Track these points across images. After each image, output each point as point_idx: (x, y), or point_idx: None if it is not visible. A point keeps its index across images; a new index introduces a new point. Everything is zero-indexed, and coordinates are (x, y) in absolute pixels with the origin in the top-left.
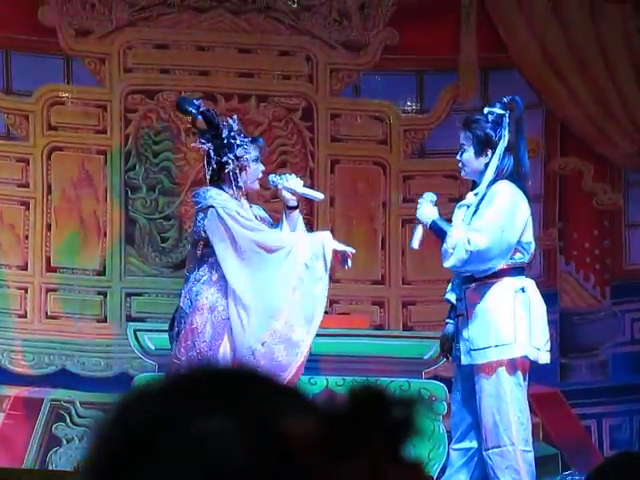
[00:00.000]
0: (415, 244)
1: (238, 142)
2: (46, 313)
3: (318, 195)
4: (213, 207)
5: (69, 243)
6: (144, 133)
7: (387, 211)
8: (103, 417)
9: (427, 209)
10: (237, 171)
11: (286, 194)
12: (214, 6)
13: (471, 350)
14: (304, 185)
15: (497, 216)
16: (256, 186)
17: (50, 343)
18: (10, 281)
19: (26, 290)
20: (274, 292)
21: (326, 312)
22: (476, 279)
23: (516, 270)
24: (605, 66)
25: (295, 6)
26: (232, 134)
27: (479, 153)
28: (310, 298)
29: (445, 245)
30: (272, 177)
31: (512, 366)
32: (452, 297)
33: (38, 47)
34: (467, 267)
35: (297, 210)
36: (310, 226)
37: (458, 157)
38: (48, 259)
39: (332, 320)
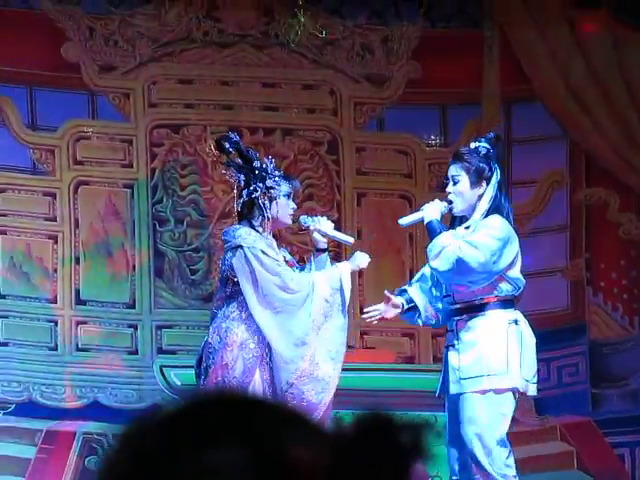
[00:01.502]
0: (403, 221)
1: (270, 175)
2: (77, 346)
3: (349, 239)
4: (241, 247)
5: (98, 276)
6: (170, 166)
7: (414, 243)
8: (110, 447)
9: (435, 207)
10: (266, 201)
11: (317, 236)
12: (237, 41)
13: (461, 379)
14: (334, 227)
15: (490, 240)
16: (288, 221)
17: (81, 376)
18: (40, 314)
19: (56, 323)
20: (297, 333)
21: (350, 346)
22: (467, 311)
23: (507, 302)
24: (629, 95)
25: (322, 35)
26: (264, 167)
27: (474, 184)
28: (333, 333)
29: (435, 242)
30: (303, 218)
31: (500, 396)
32: (411, 291)
33: (62, 83)
34: (449, 274)
35: (326, 253)
36: (337, 259)
37: (449, 189)
38: (77, 292)
39: (357, 355)
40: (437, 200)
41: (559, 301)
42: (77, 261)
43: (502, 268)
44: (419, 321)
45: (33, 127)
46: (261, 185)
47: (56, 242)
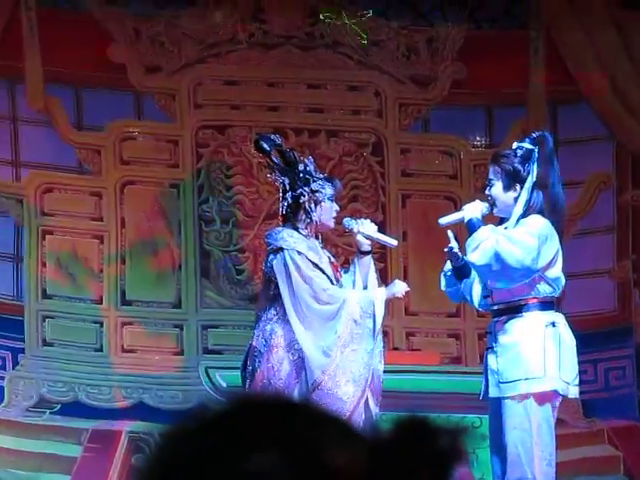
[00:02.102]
0: (443, 220)
1: (314, 178)
2: (122, 347)
3: (392, 241)
4: (282, 250)
5: (143, 276)
6: (216, 167)
7: (459, 245)
8: (150, 451)
9: (475, 207)
10: (312, 205)
11: (360, 238)
12: (282, 42)
13: (500, 382)
14: (378, 230)
15: (528, 237)
16: (331, 224)
17: (127, 377)
18: (86, 315)
19: (102, 324)
20: (323, 346)
21: (395, 348)
22: (506, 312)
23: (546, 304)
24: None
25: (365, 42)
26: (308, 169)
27: (507, 187)
28: (360, 355)
29: (473, 237)
30: (347, 220)
31: (541, 400)
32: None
33: (108, 83)
34: (485, 268)
35: (369, 255)
36: (383, 260)
37: (487, 192)
38: (123, 292)
39: (403, 357)
40: (478, 200)
41: (606, 303)
42: (123, 261)
43: (540, 267)
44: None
45: (79, 127)
46: (307, 189)
47: (102, 242)
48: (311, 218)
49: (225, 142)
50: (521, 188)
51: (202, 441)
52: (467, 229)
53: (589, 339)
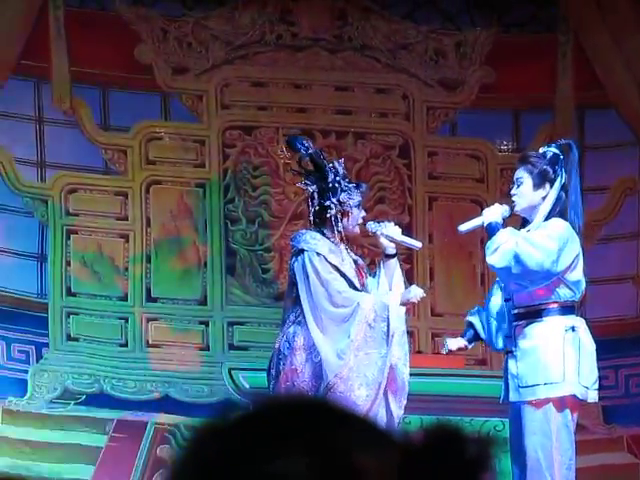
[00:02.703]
0: (463, 227)
1: (342, 187)
2: (147, 342)
3: (416, 243)
4: (303, 252)
5: (169, 274)
6: (242, 167)
7: (484, 248)
8: (180, 449)
9: (495, 211)
10: (339, 216)
11: (384, 241)
12: (310, 44)
13: (520, 387)
14: (403, 232)
15: (548, 240)
16: (356, 230)
17: (152, 372)
18: (111, 311)
19: (127, 320)
20: (338, 349)
21: (419, 351)
22: (526, 316)
23: (566, 309)
24: None
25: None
26: (337, 178)
27: (538, 186)
28: (374, 359)
29: (493, 239)
30: (371, 224)
31: (560, 405)
32: (474, 320)
33: (135, 84)
34: (506, 271)
35: (395, 258)
36: (409, 262)
37: (513, 191)
38: (149, 290)
39: (427, 360)
40: (497, 204)
41: (629, 309)
42: (148, 259)
43: (561, 270)
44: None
45: (105, 127)
46: (334, 200)
47: (127, 241)
48: (338, 229)
49: (252, 143)
50: (550, 188)
51: (234, 441)
52: (487, 233)
53: (611, 345)
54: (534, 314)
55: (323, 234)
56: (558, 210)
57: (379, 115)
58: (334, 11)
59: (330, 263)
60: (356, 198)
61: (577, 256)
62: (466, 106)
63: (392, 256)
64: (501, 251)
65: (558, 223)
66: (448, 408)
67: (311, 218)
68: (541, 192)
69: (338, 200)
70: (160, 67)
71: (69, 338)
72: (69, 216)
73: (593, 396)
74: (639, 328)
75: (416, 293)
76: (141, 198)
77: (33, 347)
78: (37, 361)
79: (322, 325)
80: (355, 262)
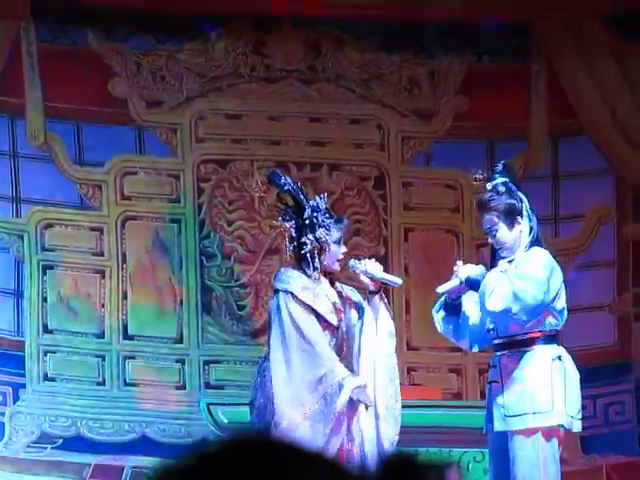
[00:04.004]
0: (441, 289)
1: (320, 223)
2: (124, 381)
3: (397, 280)
4: (278, 292)
5: (145, 311)
6: (217, 202)
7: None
8: None
9: (469, 267)
10: (315, 252)
11: (364, 279)
12: (284, 76)
13: (506, 416)
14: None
15: (538, 271)
16: (336, 267)
17: (129, 411)
18: (87, 349)
19: (103, 358)
20: (298, 400)
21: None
22: (511, 346)
23: (550, 337)
24: None
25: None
26: (314, 214)
27: (512, 225)
28: (316, 433)
29: (484, 285)
30: (351, 262)
31: (548, 435)
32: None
33: (109, 118)
34: (505, 313)
35: (378, 295)
36: (385, 292)
37: (491, 241)
38: (125, 327)
39: (405, 392)
40: (468, 265)
41: (606, 337)
42: (124, 296)
43: (550, 299)
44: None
45: (80, 162)
46: (311, 237)
47: (103, 277)
48: (314, 266)
49: (226, 176)
50: (522, 217)
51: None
52: (468, 287)
53: (589, 374)
54: (520, 344)
55: (303, 270)
56: (535, 235)
57: (354, 146)
58: (307, 42)
59: (301, 301)
60: (335, 234)
61: (561, 284)
62: (440, 135)
63: (375, 293)
64: (499, 294)
65: (540, 252)
66: (427, 439)
67: (289, 254)
68: (517, 228)
69: (315, 236)
70: (134, 101)
71: (46, 378)
72: (45, 251)
73: (578, 426)
74: (616, 356)
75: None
76: (117, 234)
77: (10, 388)
78: (14, 402)
79: (290, 369)
80: (340, 294)
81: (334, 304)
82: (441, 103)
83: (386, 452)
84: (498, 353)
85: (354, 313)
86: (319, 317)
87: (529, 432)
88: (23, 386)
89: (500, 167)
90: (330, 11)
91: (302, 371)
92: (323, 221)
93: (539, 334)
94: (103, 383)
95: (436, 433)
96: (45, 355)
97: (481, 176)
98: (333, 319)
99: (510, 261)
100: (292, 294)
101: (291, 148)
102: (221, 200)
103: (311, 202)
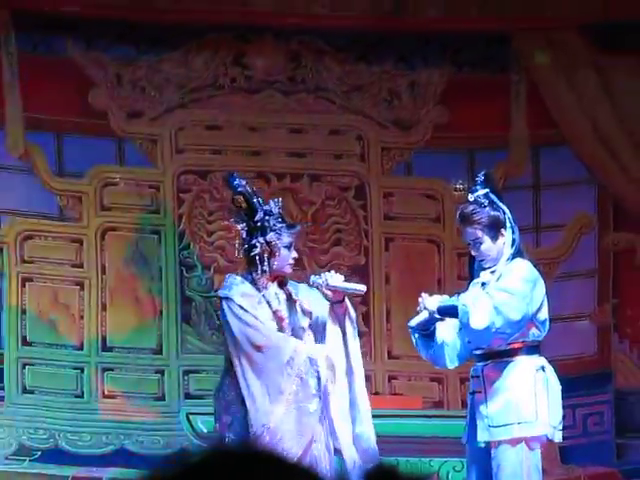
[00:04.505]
0: (413, 322)
1: (271, 226)
2: (103, 392)
3: (360, 287)
4: (222, 299)
5: (124, 323)
6: (197, 213)
7: (442, 288)
8: None
9: (433, 299)
10: (265, 255)
11: (328, 292)
12: (264, 87)
13: (490, 427)
14: (345, 280)
15: (520, 284)
16: (287, 270)
17: (107, 423)
18: (66, 361)
19: (82, 370)
20: (267, 397)
21: (377, 393)
22: (493, 356)
23: (532, 348)
24: None
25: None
26: (266, 217)
27: (495, 237)
28: (303, 414)
29: (463, 305)
30: (313, 278)
31: (532, 444)
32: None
33: (89, 129)
34: (488, 331)
35: (341, 304)
36: (366, 304)
37: (475, 253)
38: (104, 339)
39: (385, 401)
40: (431, 297)
41: (586, 347)
42: (104, 307)
43: (534, 311)
44: (425, 354)
45: (60, 174)
46: (261, 240)
47: (83, 289)
48: (263, 269)
49: (207, 187)
50: (505, 229)
51: None
52: (443, 314)
53: (569, 383)
54: (502, 354)
55: (250, 275)
56: (518, 249)
57: (334, 157)
58: (288, 53)
59: (240, 306)
60: (285, 239)
61: (544, 295)
62: (421, 146)
63: (339, 302)
64: (481, 311)
65: (522, 264)
66: (407, 449)
67: (240, 256)
68: (501, 239)
69: (265, 239)
70: (114, 112)
71: (25, 390)
72: (24, 263)
73: (559, 436)
74: (597, 366)
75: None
76: (96, 245)
77: None
78: None
79: (255, 369)
80: (290, 296)
81: (275, 312)
82: (421, 114)
83: (367, 463)
84: (480, 364)
85: (302, 316)
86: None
87: (514, 442)
88: (1, 399)
89: (481, 178)
90: (310, 22)
91: (267, 365)
92: (274, 225)
93: (522, 344)
94: (82, 395)
95: (416, 443)
96: (24, 368)
97: (461, 186)
98: (271, 327)
99: (492, 272)
100: (232, 300)
101: (271, 159)
102: (201, 211)
103: (265, 206)
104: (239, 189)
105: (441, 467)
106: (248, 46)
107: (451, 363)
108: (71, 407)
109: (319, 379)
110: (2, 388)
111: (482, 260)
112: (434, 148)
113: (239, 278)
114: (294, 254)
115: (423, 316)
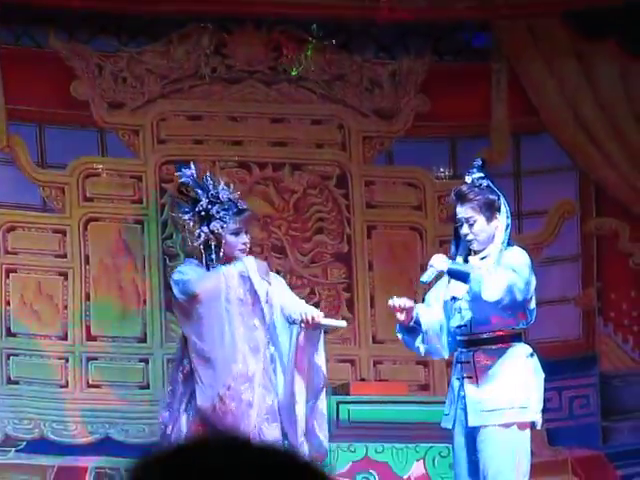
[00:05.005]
0: (424, 277)
1: (215, 214)
2: (87, 382)
3: (341, 324)
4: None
5: (108, 312)
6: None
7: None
8: None
9: (442, 259)
10: (212, 244)
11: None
12: (245, 77)
13: (483, 411)
14: (325, 315)
15: (525, 268)
16: (238, 255)
17: (92, 412)
18: (50, 351)
19: (67, 360)
20: (223, 338)
21: (362, 379)
22: (485, 342)
23: (519, 336)
24: (638, 126)
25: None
26: (209, 206)
27: (490, 218)
28: (251, 330)
29: (476, 276)
30: (293, 315)
31: (522, 429)
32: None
33: (71, 120)
34: (494, 305)
35: (321, 331)
36: (349, 290)
37: (466, 231)
38: (88, 328)
39: (371, 387)
40: (438, 255)
41: (571, 330)
42: (87, 297)
43: (529, 298)
44: (420, 347)
45: (43, 165)
46: (205, 229)
47: (66, 279)
48: (210, 257)
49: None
50: (499, 214)
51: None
52: (452, 276)
53: (554, 366)
54: (492, 341)
55: (205, 263)
56: (509, 235)
57: (315, 146)
58: (269, 43)
59: (180, 272)
60: (231, 226)
61: (535, 284)
62: (402, 135)
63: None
64: (496, 283)
65: (523, 252)
66: (392, 435)
67: (183, 248)
68: (495, 222)
69: (209, 229)
70: (96, 103)
71: (9, 381)
72: (8, 254)
73: (540, 421)
74: (582, 350)
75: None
76: (79, 235)
77: None
78: None
79: (201, 325)
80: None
81: (242, 302)
82: (402, 103)
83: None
84: (467, 349)
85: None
86: None
87: (505, 427)
88: None
89: (478, 162)
90: (291, 11)
91: (211, 313)
92: (218, 212)
93: (511, 332)
94: (66, 385)
95: (401, 429)
96: (8, 358)
97: (443, 174)
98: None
99: (482, 258)
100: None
101: (253, 148)
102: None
103: (210, 194)
104: (182, 179)
105: (427, 453)
106: (229, 36)
107: (446, 353)
108: (56, 397)
109: (252, 284)
110: None
111: (470, 241)
112: (415, 137)
113: (194, 262)
114: (244, 239)
115: (431, 272)
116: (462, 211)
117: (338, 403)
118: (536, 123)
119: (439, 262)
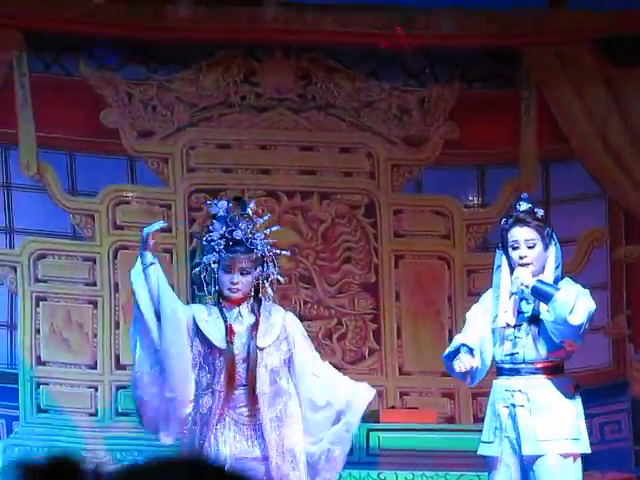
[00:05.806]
0: (513, 288)
1: (214, 247)
2: (117, 410)
3: None
4: None
5: None
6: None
7: (453, 305)
8: None
9: (525, 273)
10: (205, 276)
11: None
12: (274, 105)
13: (539, 440)
14: None
15: (591, 298)
16: (228, 294)
17: (122, 440)
18: (80, 380)
19: (96, 389)
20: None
21: (393, 407)
22: (537, 371)
23: (563, 367)
24: None
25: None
26: (210, 238)
27: (547, 247)
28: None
29: (564, 299)
30: None
31: (575, 461)
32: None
33: (101, 149)
34: (577, 329)
35: None
36: (376, 321)
37: (524, 253)
38: (117, 357)
39: (400, 415)
40: (523, 268)
41: (601, 359)
42: (117, 326)
43: None
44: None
45: (73, 192)
46: (205, 260)
47: (96, 307)
48: (209, 290)
49: None
50: (553, 245)
51: None
52: (536, 295)
53: (586, 394)
54: (545, 370)
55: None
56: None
57: (344, 174)
58: (298, 71)
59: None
60: (224, 262)
61: None
62: (430, 163)
63: None
64: (581, 308)
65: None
66: (422, 463)
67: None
68: (548, 251)
69: (209, 262)
70: (126, 131)
71: (39, 410)
72: (38, 282)
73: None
74: (612, 377)
75: None
76: (109, 263)
77: (3, 421)
78: (7, 435)
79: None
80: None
81: (229, 325)
82: (431, 130)
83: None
84: (522, 377)
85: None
86: (202, 337)
87: (564, 457)
88: (16, 418)
89: (525, 195)
90: (320, 39)
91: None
92: (219, 244)
93: (560, 362)
94: (95, 413)
95: (431, 457)
96: (38, 387)
97: (471, 202)
98: (217, 341)
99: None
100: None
101: (281, 177)
102: None
103: (227, 229)
104: (212, 211)
105: None
106: (258, 64)
107: (478, 381)
108: (86, 426)
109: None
110: (17, 408)
111: (525, 265)
112: (444, 165)
113: (199, 305)
114: (235, 278)
115: (518, 284)
116: (522, 233)
117: (369, 430)
118: (565, 150)
119: (526, 276)
